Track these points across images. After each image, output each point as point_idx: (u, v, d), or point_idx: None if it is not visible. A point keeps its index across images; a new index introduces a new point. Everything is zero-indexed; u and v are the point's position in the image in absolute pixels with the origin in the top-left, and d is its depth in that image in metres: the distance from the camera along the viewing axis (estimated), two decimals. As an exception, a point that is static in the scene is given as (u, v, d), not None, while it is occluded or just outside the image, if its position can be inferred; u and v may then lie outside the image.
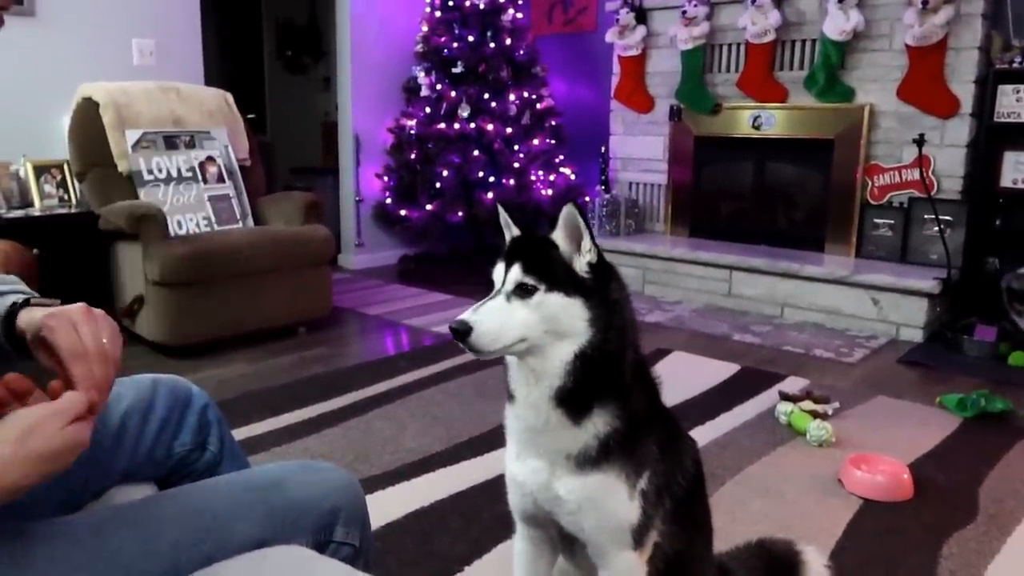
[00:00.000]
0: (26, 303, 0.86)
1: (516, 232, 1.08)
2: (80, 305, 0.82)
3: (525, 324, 0.98)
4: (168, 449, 1.08)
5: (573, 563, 1.21)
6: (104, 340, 0.79)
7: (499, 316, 0.98)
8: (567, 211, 1.01)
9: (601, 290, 1.02)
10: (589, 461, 1.04)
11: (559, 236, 1.02)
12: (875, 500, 2.01)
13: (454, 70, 4.82)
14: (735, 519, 1.91)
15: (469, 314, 0.98)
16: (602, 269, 1.03)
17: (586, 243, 1.01)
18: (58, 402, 0.73)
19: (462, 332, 0.96)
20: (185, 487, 0.95)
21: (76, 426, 0.72)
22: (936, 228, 3.69)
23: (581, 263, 1.02)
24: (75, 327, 0.78)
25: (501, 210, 1.09)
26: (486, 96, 4.81)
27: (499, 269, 1.02)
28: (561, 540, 1.20)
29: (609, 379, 1.03)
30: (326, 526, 0.94)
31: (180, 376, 1.15)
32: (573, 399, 1.02)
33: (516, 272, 0.99)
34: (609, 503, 1.06)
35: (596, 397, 1.03)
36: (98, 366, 0.78)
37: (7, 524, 0.78)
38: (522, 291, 0.99)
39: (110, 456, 1.02)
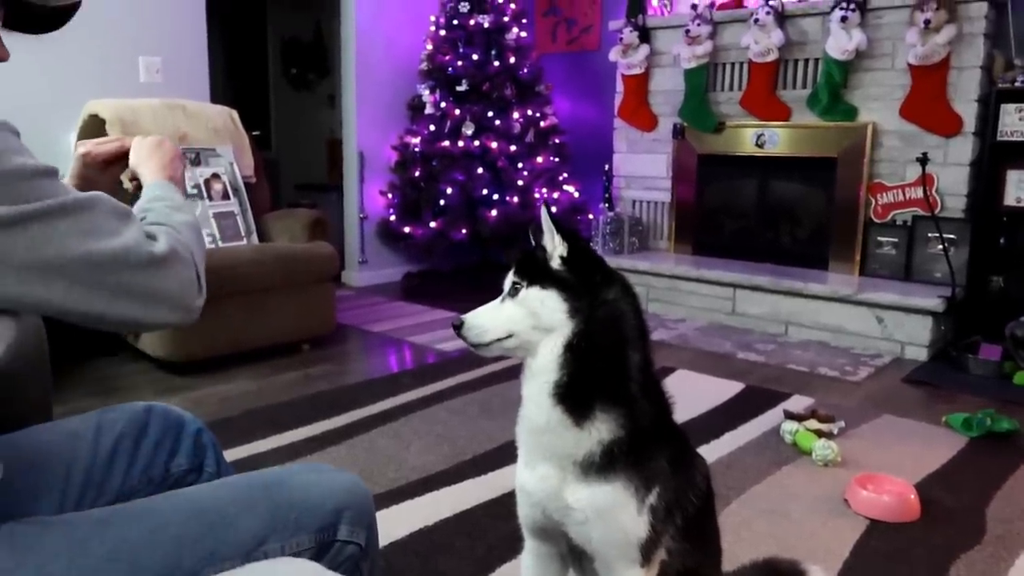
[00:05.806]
0: None
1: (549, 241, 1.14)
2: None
3: (511, 318, 1.08)
4: (164, 468, 1.12)
5: (582, 578, 1.21)
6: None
7: (490, 312, 1.11)
8: (541, 212, 1.12)
9: (583, 283, 1.07)
10: (594, 468, 1.05)
11: (545, 239, 1.12)
12: (881, 520, 2.00)
13: (458, 88, 4.85)
14: (740, 539, 1.89)
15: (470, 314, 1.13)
16: (585, 267, 1.09)
17: (555, 239, 1.10)
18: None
19: (457, 326, 1.11)
20: (190, 488, 0.99)
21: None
22: (940, 246, 3.69)
23: (555, 258, 1.10)
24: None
25: (546, 215, 1.11)
26: (490, 114, 4.84)
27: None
28: (571, 554, 1.20)
29: (607, 377, 1.06)
30: (329, 526, 0.96)
31: (175, 402, 1.18)
32: (571, 396, 1.05)
33: (509, 275, 1.12)
34: (617, 516, 1.06)
35: (596, 396, 1.05)
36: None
37: (18, 513, 0.84)
38: (513, 291, 1.10)
39: (104, 475, 1.06)
